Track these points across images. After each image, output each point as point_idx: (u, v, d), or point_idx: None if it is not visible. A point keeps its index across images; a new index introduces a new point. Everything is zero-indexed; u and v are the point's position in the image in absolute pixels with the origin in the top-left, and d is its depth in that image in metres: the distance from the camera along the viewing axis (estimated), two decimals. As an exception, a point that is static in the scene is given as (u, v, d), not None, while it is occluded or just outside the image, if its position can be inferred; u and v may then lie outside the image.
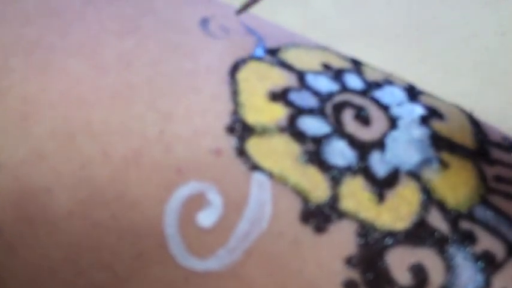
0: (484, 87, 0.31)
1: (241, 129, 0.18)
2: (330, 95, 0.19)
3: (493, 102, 0.31)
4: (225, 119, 0.18)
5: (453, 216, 0.17)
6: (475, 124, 0.20)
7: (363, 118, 0.18)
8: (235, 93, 0.18)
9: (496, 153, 0.19)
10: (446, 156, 0.18)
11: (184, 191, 0.17)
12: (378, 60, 0.35)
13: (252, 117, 0.18)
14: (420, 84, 0.33)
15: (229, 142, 0.17)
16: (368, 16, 0.34)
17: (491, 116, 0.33)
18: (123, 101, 0.18)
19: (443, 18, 0.33)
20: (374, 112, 0.19)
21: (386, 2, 0.34)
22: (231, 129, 0.18)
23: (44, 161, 0.17)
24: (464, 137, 0.19)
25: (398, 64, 0.34)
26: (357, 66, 0.21)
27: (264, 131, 0.18)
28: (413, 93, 0.20)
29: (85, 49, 0.19)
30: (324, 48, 0.21)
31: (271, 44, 0.20)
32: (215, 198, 0.16)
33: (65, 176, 0.17)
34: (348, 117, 0.18)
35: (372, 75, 0.20)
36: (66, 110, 0.18)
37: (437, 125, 0.19)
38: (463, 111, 0.20)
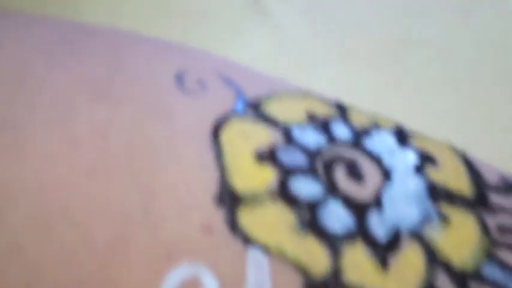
0: (465, 103, 0.30)
1: (230, 199, 0.17)
2: (319, 150, 0.18)
3: (475, 119, 0.31)
4: (212, 189, 0.17)
5: (461, 278, 0.16)
6: (470, 166, 0.19)
7: (355, 174, 0.18)
8: (219, 157, 0.17)
9: (496, 199, 0.18)
10: (445, 208, 0.17)
11: (176, 275, 0.16)
12: (355, 82, 0.34)
13: (240, 183, 0.17)
14: (401, 105, 0.32)
15: (219, 215, 0.16)
16: (342, 37, 0.33)
17: (474, 135, 0.32)
18: (102, 179, 0.17)
19: (418, 33, 0.33)
20: (366, 165, 0.18)
21: (358, 22, 0.33)
22: (219, 200, 0.17)
23: (21, 254, 0.16)
24: (461, 183, 0.18)
25: (376, 85, 0.33)
26: (342, 111, 0.20)
27: (254, 199, 0.17)
28: (402, 136, 0.19)
29: (55, 122, 0.18)
30: (306, 94, 0.20)
31: (252, 95, 0.19)
32: (210, 282, 0.15)
33: (46, 269, 0.16)
34: (340, 175, 0.18)
35: (358, 120, 0.19)
36: (42, 194, 0.17)
37: (432, 172, 0.18)
38: (455, 151, 0.19)
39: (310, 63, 0.34)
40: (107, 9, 0.41)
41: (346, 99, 0.34)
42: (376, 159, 0.18)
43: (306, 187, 0.17)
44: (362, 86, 0.34)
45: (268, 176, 0.17)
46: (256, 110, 0.19)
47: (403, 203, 0.17)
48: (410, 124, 0.33)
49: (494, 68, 0.33)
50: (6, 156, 0.17)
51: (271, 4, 0.36)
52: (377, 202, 0.17)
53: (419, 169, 0.18)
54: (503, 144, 0.33)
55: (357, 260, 0.16)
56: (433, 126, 0.33)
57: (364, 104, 0.34)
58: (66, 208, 0.16)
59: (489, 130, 0.33)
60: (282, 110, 0.19)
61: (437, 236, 0.17)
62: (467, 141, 0.32)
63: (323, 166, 0.18)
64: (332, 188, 0.17)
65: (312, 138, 0.18)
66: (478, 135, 0.33)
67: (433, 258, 0.16)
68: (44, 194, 0.17)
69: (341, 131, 0.19)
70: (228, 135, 0.18)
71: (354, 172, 0.18)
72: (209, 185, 0.17)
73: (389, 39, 0.34)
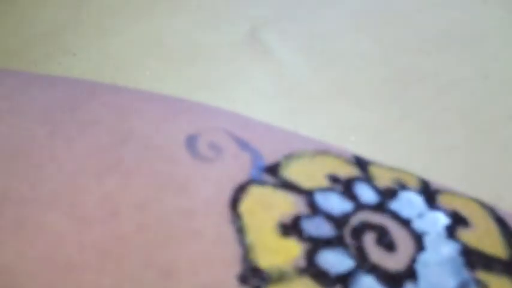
0: (473, 137, 0.29)
1: (255, 278, 0.16)
2: (346, 217, 0.17)
3: (483, 152, 0.30)
4: (235, 268, 0.16)
5: None
6: (501, 222, 0.18)
7: (386, 242, 0.16)
8: (241, 232, 0.16)
9: (532, 260, 0.17)
10: (482, 275, 0.16)
11: None
12: (358, 118, 0.33)
13: (265, 260, 0.16)
14: (406, 141, 0.31)
15: (245, 296, 0.15)
16: (343, 73, 0.32)
17: (483, 169, 0.31)
18: (115, 259, 0.16)
19: (423, 66, 0.32)
20: (396, 232, 0.17)
21: (360, 56, 0.32)
22: (243, 279, 0.16)
23: None
24: (495, 244, 0.17)
25: (382, 121, 0.32)
26: (363, 169, 0.19)
27: (281, 277, 0.16)
28: (430, 195, 0.18)
29: (61, 198, 0.16)
30: (325, 151, 0.19)
31: (269, 157, 0.18)
32: None
33: None
34: (370, 244, 0.16)
35: (382, 179, 0.18)
36: (50, 278, 0.15)
37: (465, 235, 0.17)
38: (485, 207, 0.18)
39: (311, 100, 0.33)
40: (98, 47, 0.40)
41: (350, 136, 0.33)
42: (406, 224, 0.17)
43: (335, 261, 0.16)
44: (365, 122, 0.33)
45: (294, 250, 0.16)
46: (275, 174, 0.18)
47: (438, 272, 0.16)
48: (416, 160, 0.32)
49: (501, 100, 0.32)
50: (8, 236, 0.16)
51: (270, 41, 0.35)
52: (411, 273, 0.16)
53: (451, 232, 0.17)
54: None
55: None
56: (440, 161, 0.32)
57: (369, 140, 0.33)
58: None
59: (499, 163, 0.32)
60: (303, 173, 0.18)
61: (478, 308, 0.16)
62: (476, 175, 0.31)
63: (351, 235, 0.17)
64: (363, 260, 0.16)
65: (336, 204, 0.17)
66: (487, 169, 0.32)
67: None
68: (52, 277, 0.16)
69: (366, 193, 0.18)
70: (247, 206, 0.17)
71: (384, 240, 0.16)
72: (231, 262, 0.16)
73: (393, 73, 0.33)
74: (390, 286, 0.16)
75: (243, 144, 0.18)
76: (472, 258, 0.17)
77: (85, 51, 0.41)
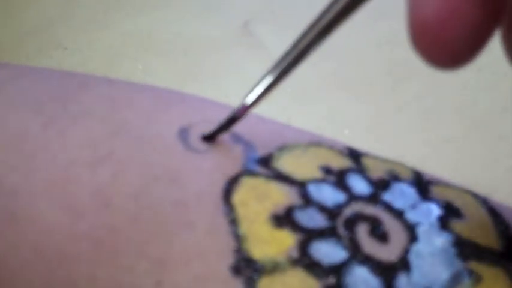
0: (467, 129, 0.30)
1: (249, 269, 0.15)
2: (339, 208, 0.17)
3: (478, 144, 0.30)
4: (228, 258, 0.16)
5: None
6: (493, 214, 0.18)
7: (379, 233, 0.16)
8: (234, 223, 0.16)
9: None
10: (475, 266, 0.16)
11: None
12: (355, 112, 0.33)
13: (258, 251, 0.16)
14: (402, 133, 0.31)
15: (237, 286, 0.15)
16: (337, 67, 0.32)
17: (477, 161, 0.31)
18: (108, 250, 0.16)
19: (416, 59, 0.32)
20: (389, 223, 0.17)
21: (354, 49, 0.32)
22: (236, 270, 0.15)
23: None
24: (488, 235, 0.17)
25: (376, 114, 0.32)
26: (356, 160, 0.19)
27: (274, 267, 0.16)
28: (422, 186, 0.18)
29: (54, 189, 0.16)
30: (318, 143, 0.19)
31: (262, 149, 0.18)
32: None
33: None
34: (363, 235, 0.16)
35: (375, 170, 0.18)
36: (43, 269, 0.15)
37: (458, 226, 0.17)
38: (478, 198, 0.18)
39: (304, 93, 0.33)
40: (89, 41, 0.40)
41: (345, 130, 0.33)
42: (399, 215, 0.17)
43: (328, 251, 0.16)
44: (360, 115, 0.33)
45: (287, 241, 0.16)
46: (268, 166, 0.18)
47: (431, 263, 0.16)
48: (412, 152, 0.32)
49: (495, 92, 0.32)
50: (3, 227, 0.16)
51: (263, 33, 0.35)
52: (404, 263, 0.16)
53: (444, 223, 0.17)
54: (508, 168, 0.32)
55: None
56: (434, 154, 0.32)
57: (363, 133, 0.33)
58: (71, 282, 0.15)
59: (493, 155, 0.32)
60: (296, 164, 0.18)
61: (470, 298, 0.16)
62: (471, 166, 0.31)
63: (344, 226, 0.17)
64: (356, 251, 0.16)
65: (329, 195, 0.17)
66: (481, 161, 0.32)
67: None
68: (46, 267, 0.15)
69: (359, 185, 0.18)
70: (240, 197, 0.17)
71: (377, 231, 0.16)
72: (224, 253, 0.16)
73: (386, 66, 0.33)
74: (383, 277, 0.16)
75: (236, 136, 0.18)
76: (465, 249, 0.17)
77: (76, 45, 0.41)
